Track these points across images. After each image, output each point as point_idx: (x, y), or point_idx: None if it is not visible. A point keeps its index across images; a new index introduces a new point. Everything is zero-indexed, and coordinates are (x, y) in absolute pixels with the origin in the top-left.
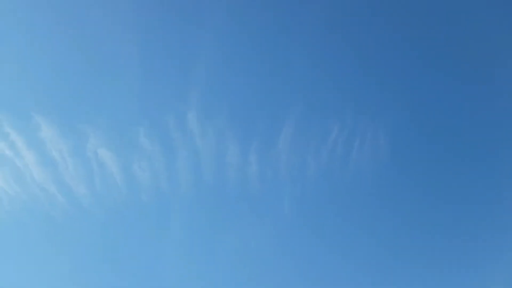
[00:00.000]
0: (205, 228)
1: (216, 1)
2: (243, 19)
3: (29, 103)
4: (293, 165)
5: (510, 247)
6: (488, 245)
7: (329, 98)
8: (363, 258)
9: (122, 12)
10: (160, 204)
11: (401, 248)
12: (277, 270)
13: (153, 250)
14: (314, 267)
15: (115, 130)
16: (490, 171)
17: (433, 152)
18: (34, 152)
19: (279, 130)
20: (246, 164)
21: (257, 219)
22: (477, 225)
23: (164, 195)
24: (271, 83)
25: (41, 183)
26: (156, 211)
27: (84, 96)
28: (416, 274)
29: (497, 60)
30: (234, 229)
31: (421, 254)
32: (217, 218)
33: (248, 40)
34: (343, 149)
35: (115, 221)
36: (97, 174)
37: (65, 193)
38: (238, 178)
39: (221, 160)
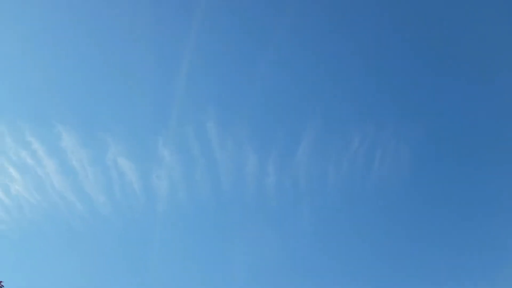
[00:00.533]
0: (222, 238)
1: (228, 15)
2: (261, 31)
3: (51, 112)
4: (312, 177)
5: None
6: None
7: (350, 109)
8: (383, 273)
9: (143, 25)
10: (178, 214)
11: (424, 262)
12: (293, 282)
13: (169, 258)
14: (331, 280)
15: (135, 140)
16: None
17: (455, 165)
18: (55, 160)
19: (298, 140)
20: (265, 174)
21: (275, 230)
22: (501, 236)
23: (182, 205)
24: (291, 93)
25: (61, 192)
26: (173, 221)
27: (104, 106)
28: (438, 285)
29: None
30: (252, 239)
31: (444, 267)
32: (234, 228)
33: (267, 52)
34: (364, 161)
35: (133, 230)
36: (116, 182)
37: (85, 201)
38: (256, 188)
39: (239, 170)
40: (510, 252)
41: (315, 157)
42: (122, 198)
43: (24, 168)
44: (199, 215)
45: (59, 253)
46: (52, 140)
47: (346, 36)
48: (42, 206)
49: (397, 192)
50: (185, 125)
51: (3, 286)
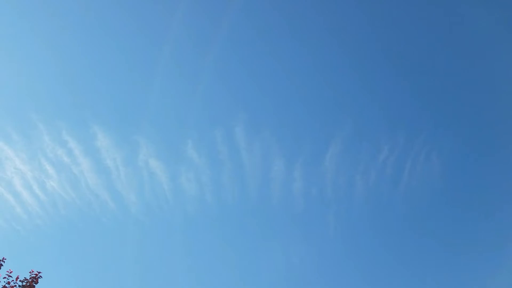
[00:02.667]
0: (247, 241)
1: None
2: (294, 38)
3: (87, 113)
4: (339, 185)
5: None
6: None
7: (379, 117)
8: (409, 283)
9: (176, 30)
10: (205, 215)
11: (451, 274)
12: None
13: (196, 259)
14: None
15: (166, 142)
16: None
17: (488, 177)
18: (90, 159)
19: (326, 148)
20: (291, 180)
21: (300, 237)
22: None
23: (209, 207)
24: (320, 100)
25: (95, 190)
26: (200, 222)
27: (138, 109)
28: None
29: None
30: (277, 244)
31: (474, 282)
32: (260, 233)
33: (299, 59)
34: (393, 171)
35: (161, 229)
36: (147, 183)
37: (116, 200)
38: (282, 193)
39: (266, 175)
40: None
41: (343, 166)
42: (152, 198)
43: (60, 165)
44: (225, 217)
45: (90, 249)
46: (88, 139)
47: (379, 44)
48: (76, 203)
49: (427, 205)
50: (214, 129)
51: (41, 277)
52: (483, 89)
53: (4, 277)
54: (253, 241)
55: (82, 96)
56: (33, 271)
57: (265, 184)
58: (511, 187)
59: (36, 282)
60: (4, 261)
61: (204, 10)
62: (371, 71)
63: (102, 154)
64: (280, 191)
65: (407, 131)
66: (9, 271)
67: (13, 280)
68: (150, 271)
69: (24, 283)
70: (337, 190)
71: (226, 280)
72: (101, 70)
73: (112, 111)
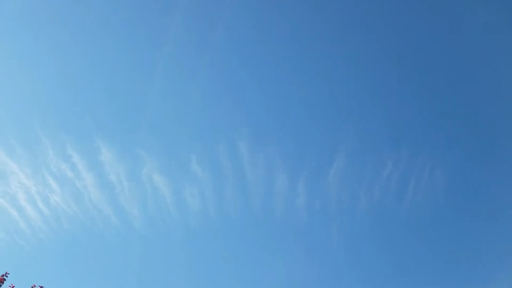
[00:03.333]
0: (250, 255)
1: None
2: (297, 51)
3: (91, 127)
4: (343, 200)
5: None
6: None
7: (384, 132)
8: None
9: (175, 43)
10: (208, 230)
11: None
12: None
13: (199, 273)
14: None
15: (169, 156)
16: None
17: (492, 191)
18: (94, 174)
19: (330, 162)
20: (294, 195)
21: (303, 251)
22: None
23: (212, 221)
24: (324, 114)
25: (98, 204)
26: (203, 236)
27: (142, 123)
28: None
29: None
30: (280, 258)
31: None
32: (263, 246)
33: (302, 70)
34: (397, 186)
35: (164, 243)
36: (150, 197)
37: (119, 214)
38: (286, 208)
39: (269, 190)
40: None
41: (347, 181)
42: (155, 212)
43: (63, 180)
44: (228, 231)
45: (93, 263)
46: (92, 154)
47: (383, 58)
48: (79, 218)
49: (431, 221)
50: (218, 143)
51: None
52: (489, 103)
53: None
54: (256, 255)
55: (85, 108)
56: (35, 286)
57: (268, 198)
58: None
59: None
60: (7, 276)
61: (203, 14)
62: (375, 85)
63: (105, 169)
64: (283, 205)
65: (411, 145)
66: (11, 286)
67: None
68: (152, 285)
69: None
70: (340, 205)
71: None
72: (104, 83)
73: (115, 125)
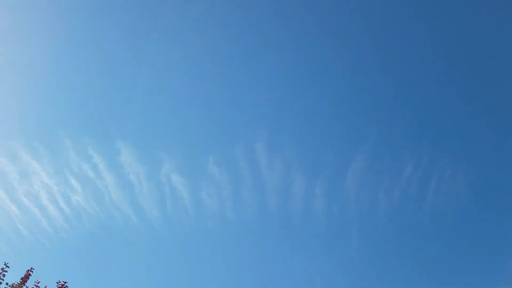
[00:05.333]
0: (268, 258)
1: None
2: (317, 50)
3: (112, 129)
4: (362, 203)
5: None
6: None
7: (403, 133)
8: None
9: (193, 46)
10: (225, 231)
11: None
12: None
13: (216, 275)
14: None
15: (187, 157)
16: None
17: None
18: (114, 174)
19: (348, 164)
20: (312, 197)
21: (322, 254)
22: None
23: (230, 223)
24: (342, 116)
25: (118, 204)
26: (221, 238)
27: (161, 125)
28: None
29: None
30: (298, 262)
31: None
32: (280, 250)
33: (320, 73)
34: (418, 189)
35: (182, 244)
36: (169, 198)
37: (139, 214)
38: (303, 210)
39: (286, 191)
40: None
41: (366, 183)
42: (173, 213)
43: (85, 180)
44: (245, 233)
45: (114, 262)
46: (112, 155)
47: (401, 58)
48: (99, 217)
49: (453, 225)
50: (235, 144)
51: (67, 287)
52: None
53: (33, 287)
54: (274, 258)
55: (107, 112)
56: (60, 281)
57: (285, 201)
58: None
59: None
60: (32, 271)
61: (215, 16)
62: (394, 85)
63: (125, 169)
64: (301, 207)
65: (432, 146)
66: (37, 282)
67: None
68: (170, 285)
69: None
70: (359, 208)
71: None
72: (125, 88)
73: (136, 127)
